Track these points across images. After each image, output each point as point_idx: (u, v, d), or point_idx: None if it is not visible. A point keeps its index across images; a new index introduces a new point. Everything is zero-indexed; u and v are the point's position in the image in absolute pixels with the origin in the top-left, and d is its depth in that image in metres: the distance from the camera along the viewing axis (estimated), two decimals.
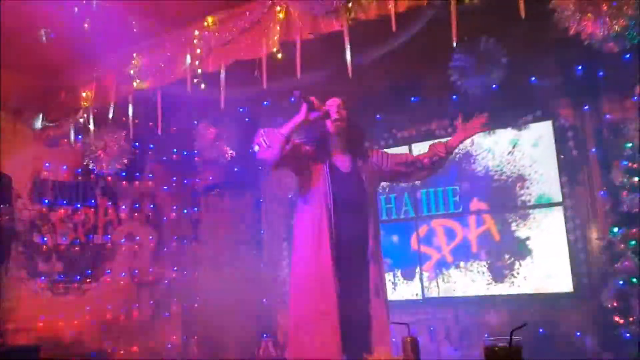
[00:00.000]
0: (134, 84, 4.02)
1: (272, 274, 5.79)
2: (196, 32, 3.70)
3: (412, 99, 5.03)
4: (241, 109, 5.22)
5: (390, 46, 4.14)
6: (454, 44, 3.10)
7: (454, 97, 4.64)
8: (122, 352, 5.25)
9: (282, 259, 5.78)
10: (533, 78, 4.56)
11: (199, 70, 3.67)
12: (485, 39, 4.10)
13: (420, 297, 5.01)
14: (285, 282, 5.69)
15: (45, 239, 4.74)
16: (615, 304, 3.56)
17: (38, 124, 4.77)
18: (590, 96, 4.40)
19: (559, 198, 4.50)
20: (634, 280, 3.52)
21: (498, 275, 4.69)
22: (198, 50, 3.67)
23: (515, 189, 4.70)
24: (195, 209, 6.02)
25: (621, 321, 3.53)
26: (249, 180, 5.95)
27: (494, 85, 4.20)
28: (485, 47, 4.13)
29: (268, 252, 5.86)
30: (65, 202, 4.91)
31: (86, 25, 3.58)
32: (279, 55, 3.36)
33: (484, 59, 4.13)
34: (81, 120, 4.57)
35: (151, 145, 5.60)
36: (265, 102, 5.18)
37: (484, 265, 4.76)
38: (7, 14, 3.56)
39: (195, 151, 5.31)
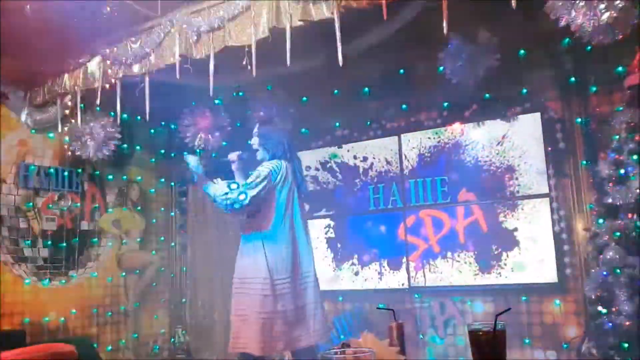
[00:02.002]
0: (122, 69, 3.97)
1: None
2: (185, 18, 3.66)
3: (402, 89, 5.03)
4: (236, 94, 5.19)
5: (381, 35, 4.13)
6: (445, 34, 3.09)
7: (444, 88, 4.64)
8: (109, 337, 5.25)
9: None
10: (522, 70, 4.58)
11: (188, 57, 3.63)
12: (476, 30, 4.11)
13: (406, 286, 5.04)
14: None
15: (31, 224, 4.69)
16: (598, 294, 3.61)
17: (24, 108, 4.71)
18: (578, 89, 4.43)
19: (546, 190, 4.54)
20: (618, 271, 3.56)
21: (485, 265, 4.73)
22: (187, 36, 3.64)
23: (503, 180, 4.73)
24: (184, 198, 6.02)
25: (604, 311, 3.58)
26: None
27: (483, 77, 4.21)
28: (476, 37, 4.15)
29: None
30: (51, 187, 4.87)
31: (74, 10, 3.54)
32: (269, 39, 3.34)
33: (474, 50, 4.14)
34: (68, 105, 4.53)
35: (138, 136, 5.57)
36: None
37: (471, 256, 4.80)
38: None
39: (184, 138, 5.27)
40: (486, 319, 4.58)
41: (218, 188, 3.52)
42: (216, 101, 4.88)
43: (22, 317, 4.53)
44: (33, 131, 4.76)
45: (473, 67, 4.16)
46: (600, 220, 3.81)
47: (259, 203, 3.45)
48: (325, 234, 5.55)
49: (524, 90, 4.63)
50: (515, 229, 4.63)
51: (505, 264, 4.64)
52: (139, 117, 3.78)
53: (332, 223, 5.55)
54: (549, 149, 4.55)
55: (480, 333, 1.36)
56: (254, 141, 3.73)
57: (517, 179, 4.67)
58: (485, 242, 4.75)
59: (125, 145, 5.05)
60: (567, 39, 4.11)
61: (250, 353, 3.36)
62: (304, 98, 5.32)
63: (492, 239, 4.72)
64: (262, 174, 3.45)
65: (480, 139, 4.87)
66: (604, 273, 3.63)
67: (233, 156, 3.83)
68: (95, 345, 4.91)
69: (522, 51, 4.43)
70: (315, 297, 3.57)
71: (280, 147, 3.62)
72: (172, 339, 5.69)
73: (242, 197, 3.39)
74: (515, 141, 4.71)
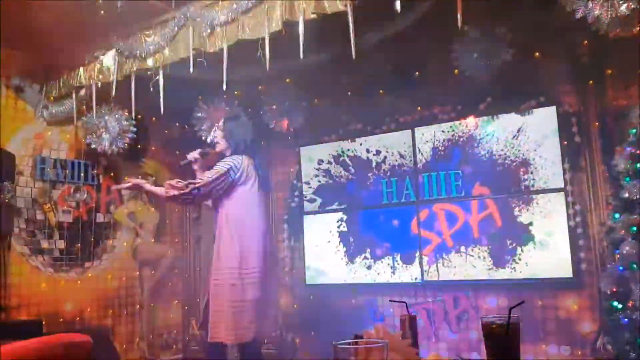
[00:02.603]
0: (137, 63, 4.00)
1: (274, 254, 5.81)
2: (199, 11, 3.67)
3: (416, 83, 5.01)
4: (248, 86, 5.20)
5: (395, 28, 4.12)
6: (459, 27, 3.07)
7: (458, 81, 4.61)
8: (123, 329, 5.31)
9: (281, 241, 5.81)
10: (538, 63, 4.53)
11: (202, 50, 3.65)
12: (491, 23, 4.08)
13: (419, 280, 5.03)
14: (286, 262, 5.74)
15: (48, 216, 4.75)
16: (614, 290, 3.57)
17: (40, 102, 4.77)
18: (594, 82, 4.38)
19: (562, 184, 4.50)
20: (634, 266, 3.52)
21: (499, 260, 4.69)
22: (201, 30, 3.65)
23: (518, 174, 4.68)
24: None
25: (620, 306, 3.55)
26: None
27: (498, 70, 4.18)
28: (490, 30, 4.11)
29: (269, 232, 5.88)
30: (67, 180, 4.92)
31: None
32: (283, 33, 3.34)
33: (489, 43, 4.11)
34: (83, 98, 4.57)
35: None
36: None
37: (485, 251, 4.77)
38: None
39: (197, 131, 5.30)
40: (499, 313, 4.55)
41: (157, 189, 3.69)
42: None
43: (38, 307, 4.60)
44: (49, 124, 4.82)
45: (487, 60, 4.14)
46: (617, 215, 3.77)
47: (215, 196, 3.53)
48: (338, 227, 5.55)
49: (539, 84, 4.58)
50: (530, 224, 4.60)
51: (519, 259, 4.60)
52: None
53: (344, 217, 5.54)
54: (565, 142, 4.50)
55: (494, 326, 1.35)
56: (217, 134, 3.76)
57: (532, 173, 4.63)
58: (500, 236, 4.72)
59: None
60: (583, 32, 4.08)
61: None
62: (318, 91, 5.32)
63: (507, 234, 4.69)
64: (220, 170, 3.51)
65: (495, 132, 4.83)
66: (620, 268, 3.59)
67: (195, 154, 3.81)
68: (110, 336, 4.97)
69: (537, 44, 4.39)
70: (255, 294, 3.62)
71: (242, 143, 3.68)
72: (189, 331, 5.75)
73: (193, 189, 3.49)
74: (530, 135, 4.66)
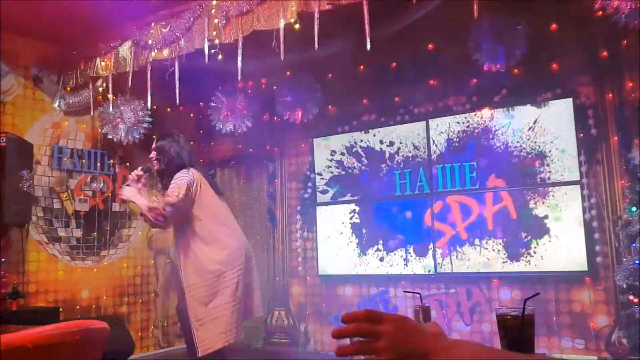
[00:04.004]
0: (152, 53, 4.03)
1: (286, 245, 5.85)
2: (214, 2, 3.68)
3: (430, 74, 4.98)
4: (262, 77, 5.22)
5: (409, 18, 4.10)
6: (475, 18, 3.05)
7: (473, 72, 4.59)
8: (138, 316, 5.38)
9: (294, 231, 5.84)
10: (554, 54, 4.49)
11: (217, 41, 3.66)
12: (507, 13, 4.04)
13: (432, 273, 5.02)
14: (298, 253, 5.77)
15: (65, 205, 4.82)
16: (630, 283, 3.55)
17: (57, 92, 4.81)
18: (612, 74, 4.33)
19: (578, 176, 4.46)
20: None
21: (514, 253, 4.67)
22: (216, 21, 3.66)
23: (534, 166, 4.65)
24: (211, 178, 6.07)
25: (635, 300, 3.53)
26: (264, 153, 5.98)
27: (513, 62, 4.14)
28: (506, 21, 4.07)
29: (281, 224, 5.92)
30: (84, 169, 4.98)
31: None
32: (297, 26, 3.34)
33: (505, 34, 4.07)
34: (100, 89, 4.62)
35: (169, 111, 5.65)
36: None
37: (500, 243, 4.75)
38: None
39: (212, 123, 5.33)
40: (513, 305, 4.54)
41: (143, 202, 3.50)
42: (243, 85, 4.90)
43: (55, 294, 4.68)
44: (66, 114, 4.87)
45: (503, 51, 4.10)
46: (633, 208, 3.74)
47: (181, 213, 3.49)
48: (350, 219, 5.56)
49: (555, 76, 4.54)
50: (546, 216, 4.57)
51: (534, 252, 4.58)
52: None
53: (357, 208, 5.54)
54: (581, 135, 4.46)
55: (509, 317, 1.35)
56: (152, 155, 3.71)
57: (547, 165, 4.59)
58: (514, 229, 4.70)
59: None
60: (601, 23, 4.02)
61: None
62: (331, 82, 5.32)
63: (522, 226, 4.66)
64: (181, 185, 3.45)
65: (510, 124, 4.79)
66: (636, 262, 3.57)
67: (137, 172, 3.62)
68: (126, 323, 5.04)
69: (553, 35, 4.34)
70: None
71: (178, 158, 3.61)
72: None
73: (167, 210, 3.38)
74: (546, 127, 4.62)
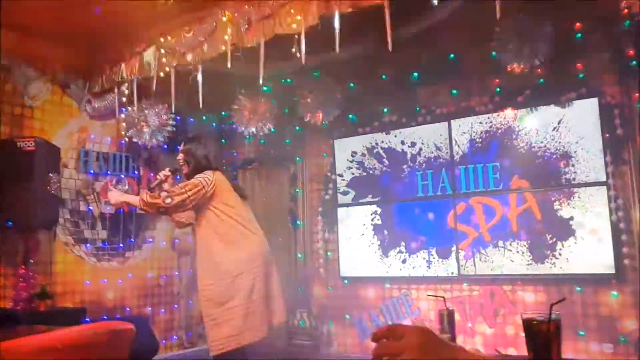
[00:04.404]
0: (176, 58, 4.08)
1: (308, 246, 5.87)
2: (236, 7, 3.71)
3: (452, 74, 4.95)
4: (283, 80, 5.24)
5: (431, 19, 4.08)
6: (497, 18, 3.02)
7: (495, 73, 4.55)
8: (162, 317, 5.45)
9: (316, 233, 5.85)
10: (579, 54, 4.43)
11: (239, 45, 3.69)
12: (530, 12, 4.00)
13: (455, 275, 4.99)
14: (320, 254, 5.78)
15: (91, 207, 4.90)
16: None
17: (83, 97, 4.90)
18: (638, 73, 4.25)
19: (604, 177, 4.39)
20: None
21: (539, 255, 4.61)
22: (238, 25, 3.69)
23: (558, 166, 4.59)
24: (235, 181, 6.12)
25: None
26: (287, 155, 6.01)
27: (537, 62, 4.09)
28: (530, 22, 4.03)
29: (303, 226, 5.93)
30: (109, 172, 5.07)
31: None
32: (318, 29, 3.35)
33: (528, 34, 4.03)
34: (125, 93, 4.69)
35: (191, 119, 5.72)
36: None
37: (524, 245, 4.69)
38: None
39: (234, 125, 5.37)
40: (538, 308, 4.49)
41: (133, 199, 3.71)
42: (264, 88, 4.93)
43: (82, 295, 4.76)
44: (92, 118, 4.96)
45: (526, 51, 4.05)
46: None
47: (187, 209, 3.62)
48: (372, 220, 5.55)
49: (580, 75, 4.47)
50: (571, 218, 4.50)
51: (560, 254, 4.52)
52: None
53: (378, 210, 5.53)
54: (607, 135, 4.39)
55: (535, 322, 1.34)
56: (179, 157, 3.87)
57: (573, 165, 4.53)
58: (539, 230, 4.64)
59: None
60: (627, 21, 3.95)
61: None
62: (352, 84, 5.32)
63: (546, 228, 4.60)
64: (193, 183, 3.57)
65: (533, 124, 4.74)
66: None
67: (165, 172, 3.85)
68: (150, 324, 5.10)
69: (578, 34, 4.29)
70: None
71: (205, 161, 3.76)
72: None
73: (167, 200, 3.52)
74: (571, 127, 4.56)
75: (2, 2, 3.77)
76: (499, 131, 4.89)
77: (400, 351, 0.87)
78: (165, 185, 3.86)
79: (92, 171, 4.94)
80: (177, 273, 5.66)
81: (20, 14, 4.00)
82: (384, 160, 5.52)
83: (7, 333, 2.54)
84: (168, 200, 3.51)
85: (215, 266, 3.57)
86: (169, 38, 4.10)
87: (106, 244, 5.01)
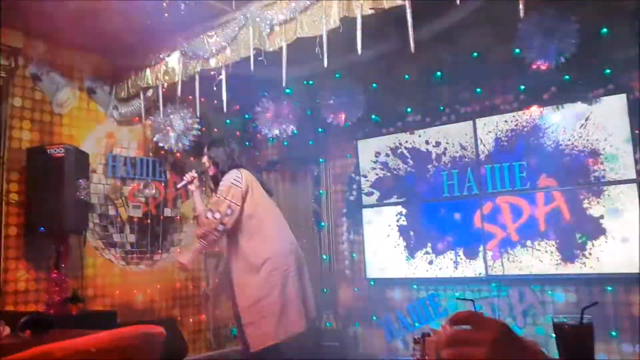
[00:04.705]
0: (200, 63, 4.13)
1: (333, 248, 5.87)
2: (258, 12, 3.74)
3: (476, 73, 4.90)
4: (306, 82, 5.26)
5: (454, 18, 4.05)
6: (522, 15, 2.99)
7: (520, 71, 4.49)
8: (190, 319, 5.50)
9: (341, 234, 5.85)
10: (605, 49, 4.34)
11: (262, 49, 3.72)
12: (555, 8, 3.94)
13: (483, 275, 4.94)
14: (345, 256, 5.77)
15: (119, 211, 4.98)
16: None
17: (110, 102, 4.99)
18: None
19: (634, 174, 4.30)
20: None
21: (568, 255, 4.54)
22: (260, 30, 3.72)
23: (587, 164, 4.51)
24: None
25: None
26: (310, 156, 6.03)
27: (563, 58, 4.03)
28: (555, 18, 3.97)
29: (327, 227, 5.94)
30: (136, 177, 5.14)
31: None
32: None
33: (553, 30, 3.97)
34: (150, 98, 4.76)
35: (215, 123, 5.77)
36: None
37: (553, 245, 4.62)
38: None
39: (257, 128, 5.40)
40: (568, 309, 4.42)
41: (207, 219, 3.73)
42: (287, 90, 4.96)
43: (112, 298, 4.84)
44: (119, 124, 5.05)
45: (553, 48, 3.99)
46: None
47: (238, 213, 3.75)
48: (397, 221, 5.52)
49: (607, 71, 4.38)
50: (601, 216, 4.42)
51: (590, 253, 4.44)
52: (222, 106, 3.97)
53: (403, 210, 5.51)
54: (637, 131, 4.29)
55: (566, 327, 1.32)
56: (204, 160, 4.03)
57: (602, 163, 4.44)
58: (568, 230, 4.56)
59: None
60: None
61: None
62: (374, 84, 5.31)
63: (576, 227, 4.52)
64: (224, 187, 3.68)
65: (560, 121, 4.66)
66: None
67: (192, 174, 4.03)
68: (179, 326, 5.16)
69: (604, 29, 4.20)
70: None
71: (229, 160, 3.91)
72: None
73: (217, 215, 3.67)
74: (600, 124, 4.47)
75: (27, 11, 3.86)
76: (525, 129, 4.83)
77: (476, 342, 0.85)
78: (192, 187, 3.96)
79: (119, 176, 5.02)
80: (204, 275, 5.70)
81: (47, 23, 4.10)
82: (409, 160, 5.49)
83: (41, 337, 2.60)
84: (217, 215, 3.59)
85: (247, 262, 3.64)
86: (193, 43, 4.15)
87: (135, 247, 5.09)
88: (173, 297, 5.38)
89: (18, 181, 4.27)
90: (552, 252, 4.62)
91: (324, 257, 5.87)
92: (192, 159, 5.41)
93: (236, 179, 3.72)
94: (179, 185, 4.30)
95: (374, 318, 5.47)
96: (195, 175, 4.05)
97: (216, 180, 4.01)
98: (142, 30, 4.20)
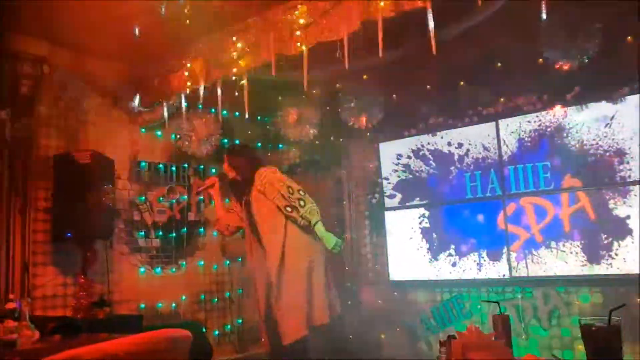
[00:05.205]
0: (222, 68, 4.16)
1: (355, 251, 5.87)
2: (279, 16, 3.77)
3: (498, 73, 4.86)
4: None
5: (476, 18, 4.02)
6: (544, 14, 2.96)
7: (543, 71, 4.44)
8: (215, 323, 5.55)
9: (363, 237, 5.84)
10: (629, 48, 4.27)
11: (283, 53, 3.74)
12: (577, 8, 3.89)
13: (507, 277, 4.89)
14: (368, 259, 5.76)
15: (144, 217, 5.05)
16: None
17: (134, 109, 5.06)
18: None
19: None
20: None
21: (594, 256, 4.47)
22: (281, 34, 3.74)
23: (612, 164, 4.43)
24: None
25: None
26: (331, 159, 6.03)
27: (586, 57, 3.97)
28: (579, 17, 3.91)
29: (350, 230, 5.94)
30: (161, 182, 5.21)
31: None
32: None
33: (576, 30, 3.92)
34: (173, 104, 4.81)
35: (237, 127, 5.81)
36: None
37: (578, 246, 4.56)
38: (102, 5, 3.78)
39: (279, 131, 5.43)
40: (594, 310, 4.35)
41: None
42: (308, 94, 4.97)
43: (137, 303, 4.90)
44: (143, 130, 5.13)
45: (575, 47, 3.94)
46: None
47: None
48: (420, 223, 5.50)
49: (631, 69, 4.30)
50: (628, 217, 4.34)
51: (616, 254, 4.37)
52: (237, 114, 4.03)
53: (426, 212, 5.48)
54: None
55: (594, 328, 1.31)
56: (225, 167, 4.17)
57: (627, 163, 4.37)
58: (594, 230, 4.49)
59: (225, 140, 5.30)
60: None
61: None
62: (395, 86, 5.29)
63: (601, 228, 4.45)
64: (302, 194, 3.86)
65: (584, 121, 4.60)
66: None
67: (214, 179, 4.22)
68: (204, 329, 5.21)
69: (629, 27, 4.13)
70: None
71: (251, 166, 4.04)
72: None
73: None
74: (625, 123, 4.40)
75: (52, 21, 3.94)
76: (549, 129, 4.77)
77: None
78: (212, 191, 4.06)
79: (144, 181, 5.08)
80: (227, 278, 5.75)
81: (72, 32, 4.18)
82: (431, 162, 5.47)
83: (70, 341, 2.65)
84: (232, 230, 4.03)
85: (274, 256, 3.70)
86: (215, 49, 4.19)
87: (159, 252, 5.15)
88: (198, 300, 5.43)
89: (45, 188, 4.35)
90: (577, 253, 4.55)
91: (347, 259, 5.86)
92: (214, 164, 5.46)
93: (274, 174, 3.89)
94: (199, 189, 4.39)
95: (397, 320, 5.44)
96: (215, 179, 4.12)
97: (236, 185, 4.08)
98: (166, 37, 4.25)
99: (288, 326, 3.69)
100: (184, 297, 5.28)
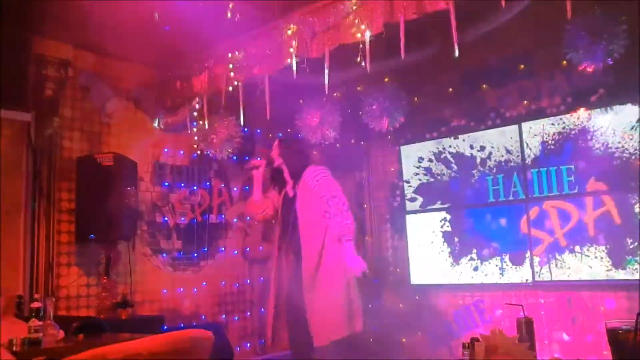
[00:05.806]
0: (244, 71, 4.19)
1: (376, 254, 5.85)
2: (301, 19, 3.78)
3: (521, 76, 4.82)
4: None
5: (499, 20, 3.99)
6: (568, 16, 2.92)
7: (566, 73, 4.39)
8: (236, 325, 5.57)
9: (385, 241, 5.82)
10: None
11: (304, 56, 3.75)
12: (602, 8, 3.83)
13: (530, 281, 4.82)
14: (390, 262, 5.73)
15: (166, 218, 5.10)
16: None
17: (156, 112, 5.11)
18: None
19: None
20: None
21: (619, 260, 4.39)
22: (303, 37, 3.75)
23: (638, 167, 4.35)
24: None
25: None
26: (353, 162, 6.03)
27: (610, 60, 3.91)
28: (602, 18, 3.85)
29: (371, 233, 5.92)
30: (182, 184, 5.26)
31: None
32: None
33: (601, 32, 3.85)
34: (195, 107, 4.85)
35: (258, 130, 5.84)
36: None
37: (603, 250, 4.48)
38: (126, 9, 3.83)
39: (300, 135, 5.43)
40: (619, 315, 4.27)
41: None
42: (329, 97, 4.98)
43: (160, 304, 4.95)
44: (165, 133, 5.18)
45: (599, 49, 3.88)
46: None
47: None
48: (441, 227, 5.46)
49: None
50: None
51: None
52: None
53: (447, 216, 5.44)
54: None
55: (620, 332, 1.29)
56: (274, 154, 4.19)
57: None
58: (619, 235, 4.42)
59: None
60: None
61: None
62: (417, 89, 5.27)
63: (627, 232, 4.38)
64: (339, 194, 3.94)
65: (609, 124, 4.52)
66: None
67: (262, 161, 4.20)
68: (225, 332, 5.23)
69: None
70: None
71: (305, 157, 4.14)
72: None
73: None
74: None
75: (76, 24, 4.01)
76: (572, 132, 4.71)
77: None
78: (256, 172, 4.19)
79: (166, 183, 5.14)
80: (248, 281, 5.77)
81: (96, 35, 4.24)
82: (452, 165, 5.43)
83: (94, 340, 2.69)
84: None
85: (317, 252, 3.73)
86: (237, 52, 4.22)
87: (181, 253, 5.19)
88: (219, 302, 5.46)
89: (69, 189, 4.42)
90: (602, 258, 4.48)
91: (368, 263, 5.83)
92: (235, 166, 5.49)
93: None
94: (246, 167, 4.47)
95: (419, 324, 5.41)
96: (263, 162, 4.20)
97: (277, 173, 4.18)
98: (187, 40, 4.29)
99: (323, 328, 3.66)
100: (205, 299, 5.31)
